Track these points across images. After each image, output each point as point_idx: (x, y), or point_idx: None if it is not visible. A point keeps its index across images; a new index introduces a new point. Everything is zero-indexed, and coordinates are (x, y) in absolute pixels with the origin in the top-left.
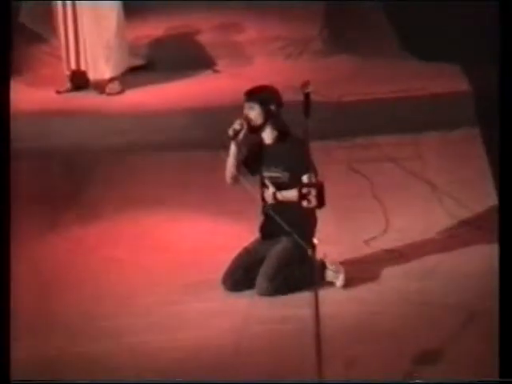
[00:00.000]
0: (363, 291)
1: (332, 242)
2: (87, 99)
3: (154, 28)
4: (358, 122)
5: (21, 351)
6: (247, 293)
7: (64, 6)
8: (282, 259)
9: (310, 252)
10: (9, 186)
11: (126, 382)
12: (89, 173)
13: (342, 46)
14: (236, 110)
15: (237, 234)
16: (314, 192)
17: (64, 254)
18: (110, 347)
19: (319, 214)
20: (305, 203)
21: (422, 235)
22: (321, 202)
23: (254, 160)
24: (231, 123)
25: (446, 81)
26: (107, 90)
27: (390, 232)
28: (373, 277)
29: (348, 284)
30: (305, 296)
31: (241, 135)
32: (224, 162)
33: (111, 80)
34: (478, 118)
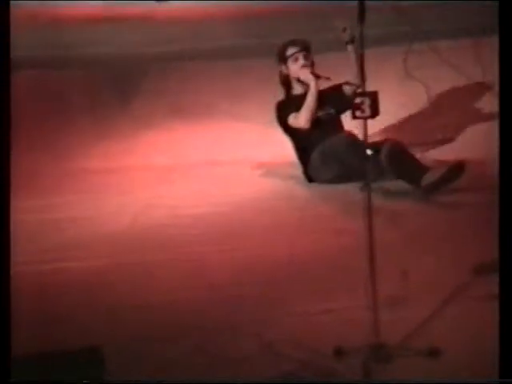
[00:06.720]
0: None
1: None
2: (136, 5)
3: None
4: (414, 25)
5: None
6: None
7: None
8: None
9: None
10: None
11: (135, 382)
12: (138, 81)
13: None
14: (285, 17)
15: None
16: (367, 101)
17: (115, 161)
18: None
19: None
20: (358, 113)
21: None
22: (374, 112)
23: None
24: (281, 31)
25: None
26: None
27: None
28: None
29: None
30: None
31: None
32: (274, 69)
33: None
34: None
